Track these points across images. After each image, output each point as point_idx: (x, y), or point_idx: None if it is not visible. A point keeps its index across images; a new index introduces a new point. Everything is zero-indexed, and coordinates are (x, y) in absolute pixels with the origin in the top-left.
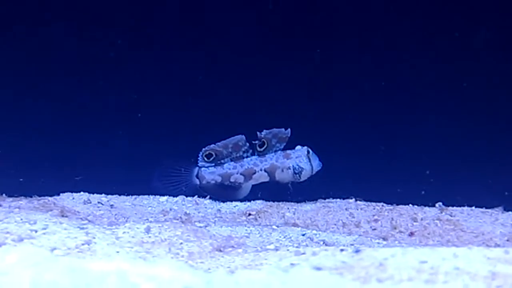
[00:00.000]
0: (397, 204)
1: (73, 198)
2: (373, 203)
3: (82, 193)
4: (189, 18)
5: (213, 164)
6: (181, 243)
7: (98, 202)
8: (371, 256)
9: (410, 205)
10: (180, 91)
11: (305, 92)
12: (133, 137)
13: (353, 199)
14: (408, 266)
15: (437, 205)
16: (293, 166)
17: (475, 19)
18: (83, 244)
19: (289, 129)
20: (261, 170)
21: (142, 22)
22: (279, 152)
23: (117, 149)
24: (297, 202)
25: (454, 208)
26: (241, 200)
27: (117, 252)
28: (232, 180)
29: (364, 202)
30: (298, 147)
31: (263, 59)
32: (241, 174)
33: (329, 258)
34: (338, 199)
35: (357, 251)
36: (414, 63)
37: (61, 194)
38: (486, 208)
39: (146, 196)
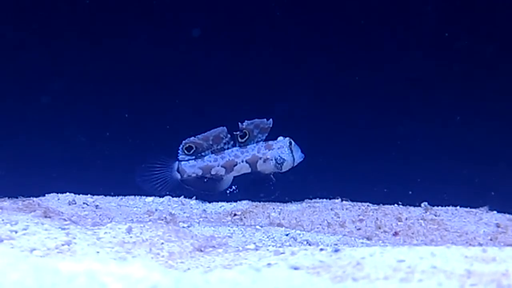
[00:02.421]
0: (384, 204)
1: (59, 199)
2: (359, 203)
3: (68, 193)
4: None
5: (193, 157)
6: (162, 243)
7: (84, 203)
8: (350, 256)
9: (396, 205)
10: (164, 91)
11: (292, 93)
12: (121, 138)
13: (339, 199)
14: (386, 265)
15: (422, 204)
16: (275, 157)
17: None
18: (63, 245)
19: (271, 120)
20: (242, 161)
21: (129, 23)
22: (261, 142)
23: (104, 150)
24: (283, 202)
25: (439, 207)
26: (227, 201)
27: (97, 252)
28: (213, 172)
29: (350, 202)
30: (280, 138)
31: (247, 54)
32: (222, 166)
33: (308, 257)
34: (324, 199)
35: (336, 250)
36: (402, 65)
37: (46, 194)
38: (472, 207)
39: (132, 197)
